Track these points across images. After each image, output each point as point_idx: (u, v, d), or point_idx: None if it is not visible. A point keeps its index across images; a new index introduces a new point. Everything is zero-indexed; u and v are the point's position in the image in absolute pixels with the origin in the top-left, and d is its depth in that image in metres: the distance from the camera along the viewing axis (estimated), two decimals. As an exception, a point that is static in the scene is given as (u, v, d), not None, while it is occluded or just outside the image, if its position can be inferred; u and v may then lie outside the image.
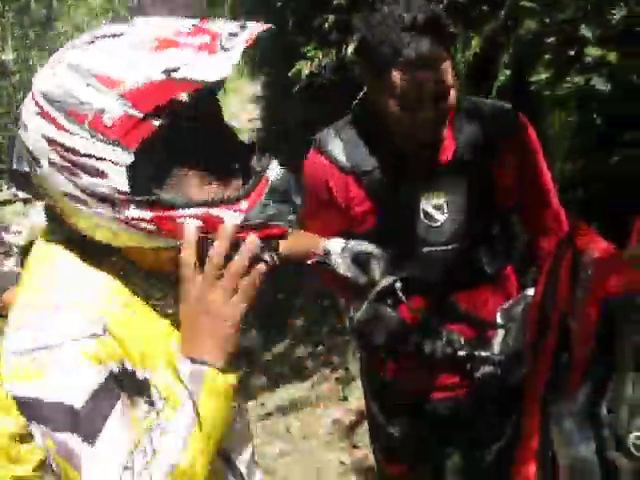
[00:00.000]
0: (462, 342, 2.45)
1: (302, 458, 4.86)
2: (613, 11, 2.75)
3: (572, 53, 2.90)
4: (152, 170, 1.54)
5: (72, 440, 1.61)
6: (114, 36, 1.56)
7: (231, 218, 1.57)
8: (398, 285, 2.40)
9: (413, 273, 2.47)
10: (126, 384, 1.71)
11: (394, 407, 2.83)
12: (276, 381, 5.88)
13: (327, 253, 2.50)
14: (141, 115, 1.43)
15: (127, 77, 1.46)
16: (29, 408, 1.63)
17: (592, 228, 2.31)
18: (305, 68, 4.60)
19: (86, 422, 1.62)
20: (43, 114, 1.51)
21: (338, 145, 2.58)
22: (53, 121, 1.50)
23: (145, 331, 1.76)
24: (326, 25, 4.46)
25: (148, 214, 1.52)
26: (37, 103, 1.53)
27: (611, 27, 2.79)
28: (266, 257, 1.69)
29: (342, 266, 2.46)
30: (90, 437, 1.61)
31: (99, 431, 1.62)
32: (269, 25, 1.52)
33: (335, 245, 2.50)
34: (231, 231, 1.55)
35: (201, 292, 1.60)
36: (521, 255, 2.91)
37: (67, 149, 1.48)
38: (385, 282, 2.41)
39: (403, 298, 2.40)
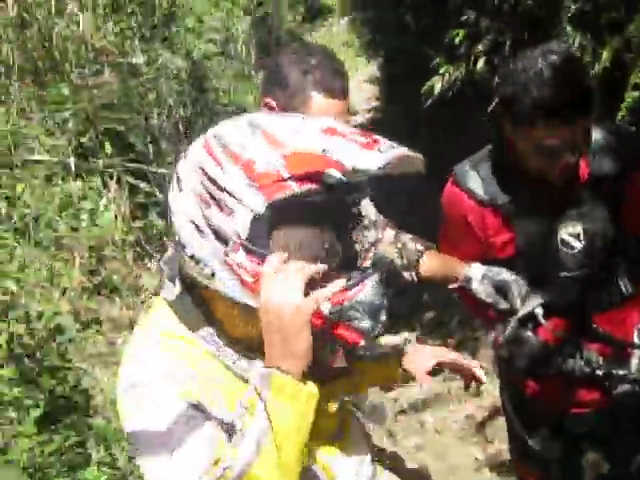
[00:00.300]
0: (600, 361, 2.50)
1: (437, 453, 4.91)
2: None
3: None
4: (270, 230, 1.63)
5: (156, 461, 1.73)
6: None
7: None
8: (539, 311, 2.46)
9: (553, 298, 2.52)
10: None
11: (534, 422, 2.88)
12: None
13: (468, 279, 2.57)
14: (289, 175, 1.54)
15: (291, 143, 1.59)
16: (131, 443, 1.78)
17: None
18: (437, 83, 4.62)
19: (169, 441, 1.73)
20: (206, 146, 1.65)
21: (476, 179, 2.66)
22: (211, 154, 1.63)
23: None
24: (456, 40, 4.45)
25: (252, 266, 1.62)
26: (206, 140, 1.67)
27: None
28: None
29: (483, 292, 2.52)
30: (170, 451, 1.72)
31: (179, 446, 1.73)
32: (420, 156, 1.60)
33: (476, 272, 2.56)
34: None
35: (275, 293, 1.65)
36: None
37: (212, 180, 1.60)
38: (527, 308, 2.47)
39: (544, 322, 2.46)
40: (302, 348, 1.66)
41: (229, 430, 1.81)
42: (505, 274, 2.51)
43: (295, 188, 1.55)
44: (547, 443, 2.88)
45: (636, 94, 3.28)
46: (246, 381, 1.86)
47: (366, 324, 1.72)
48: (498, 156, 2.64)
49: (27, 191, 4.50)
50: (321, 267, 1.69)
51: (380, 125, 13.64)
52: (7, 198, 4.44)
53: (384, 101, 14.25)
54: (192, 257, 1.73)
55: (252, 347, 1.87)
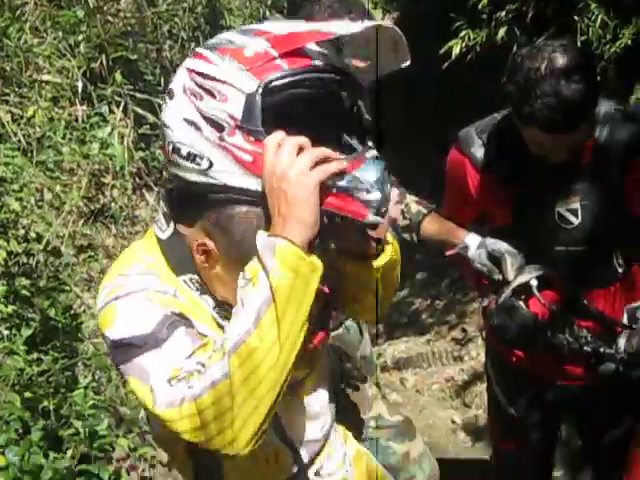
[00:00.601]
0: (589, 338, 2.56)
1: (414, 412, 4.98)
2: None
3: None
4: (266, 110, 1.66)
5: (144, 358, 1.74)
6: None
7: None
8: (534, 282, 2.51)
9: (548, 271, 2.57)
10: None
11: (517, 390, 2.94)
12: (392, 331, 6.03)
13: (466, 246, 2.64)
14: (276, 54, 1.61)
15: (276, 30, 1.70)
16: (113, 354, 1.80)
17: None
18: (456, 47, 4.62)
19: (154, 338, 1.75)
20: (195, 54, 1.71)
21: (479, 146, 2.68)
22: (200, 56, 1.68)
23: None
24: (479, 5, 4.44)
25: (249, 146, 1.66)
26: (195, 50, 1.75)
27: None
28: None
29: (478, 260, 2.60)
30: (157, 344, 1.74)
31: (165, 340, 1.75)
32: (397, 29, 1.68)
33: (474, 240, 2.64)
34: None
35: (280, 159, 1.67)
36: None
37: (201, 74, 1.65)
38: (522, 279, 2.53)
39: (538, 295, 2.51)
40: (308, 216, 1.65)
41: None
42: (502, 245, 2.57)
43: (285, 66, 1.61)
44: (528, 410, 2.96)
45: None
46: (219, 326, 1.91)
47: (372, 196, 1.72)
48: (505, 128, 2.66)
49: (33, 111, 4.49)
50: (322, 149, 1.69)
51: (391, 86, 13.63)
52: (14, 116, 4.45)
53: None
54: (188, 156, 1.76)
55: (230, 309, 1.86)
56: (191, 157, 1.76)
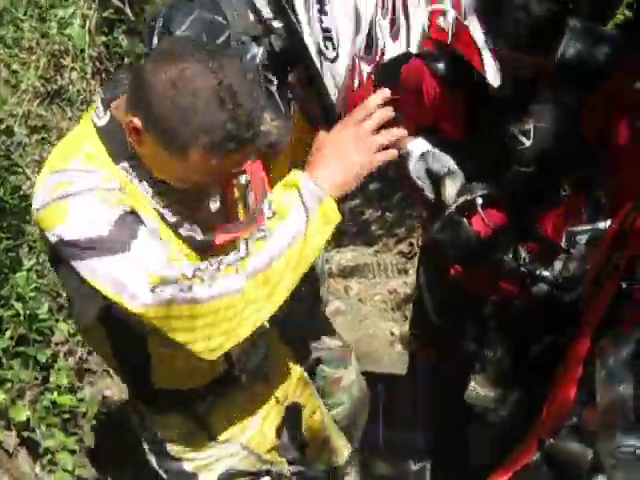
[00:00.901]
0: (527, 259, 2.65)
1: (355, 321, 5.10)
2: None
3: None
4: None
5: (101, 261, 1.78)
6: None
7: None
8: (479, 201, 2.57)
9: (493, 190, 2.63)
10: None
11: (450, 301, 3.03)
12: (340, 239, 6.09)
13: (408, 153, 2.66)
14: None
15: None
16: (63, 251, 1.82)
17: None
18: None
19: (115, 242, 1.79)
20: None
21: (440, 56, 2.65)
22: None
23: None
24: None
25: None
26: None
27: None
28: None
29: (415, 174, 2.63)
30: (122, 249, 1.78)
31: (130, 242, 1.79)
32: None
33: (418, 147, 2.66)
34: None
35: (350, 127, 1.86)
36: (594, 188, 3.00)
37: None
38: (468, 197, 2.59)
39: (482, 213, 2.58)
40: (352, 185, 1.84)
41: None
42: (445, 162, 2.61)
43: None
44: (457, 322, 3.06)
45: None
46: (160, 217, 1.99)
47: None
48: None
49: None
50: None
51: None
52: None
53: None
54: None
55: (168, 192, 1.97)
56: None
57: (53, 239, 1.82)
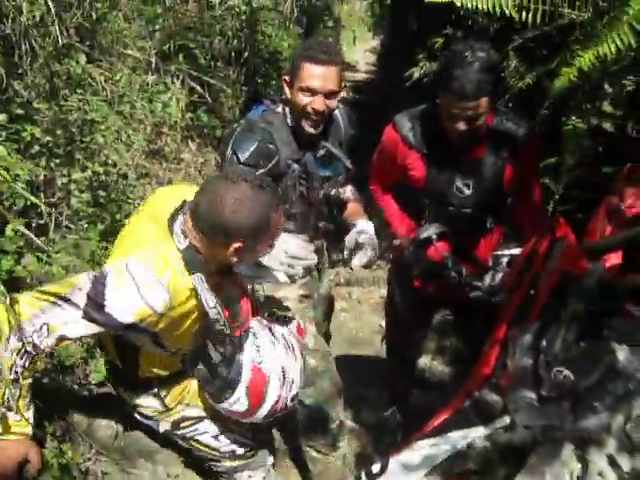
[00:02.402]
0: (464, 274, 2.77)
1: (355, 316, 5.22)
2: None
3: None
4: None
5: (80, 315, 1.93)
6: None
7: None
8: (434, 236, 2.72)
9: (444, 228, 2.76)
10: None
11: (412, 300, 3.12)
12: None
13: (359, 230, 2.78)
14: None
15: None
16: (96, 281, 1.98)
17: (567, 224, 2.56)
18: (416, 73, 4.74)
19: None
20: None
21: (409, 128, 2.76)
22: None
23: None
24: (436, 45, 4.53)
25: None
26: None
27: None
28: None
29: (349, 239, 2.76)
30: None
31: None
32: None
33: (361, 226, 2.79)
34: None
35: None
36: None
37: None
38: (426, 234, 2.73)
39: (437, 245, 2.73)
40: None
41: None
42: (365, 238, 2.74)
43: None
44: (417, 311, 3.18)
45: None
46: (217, 322, 2.15)
47: None
48: (426, 115, 2.78)
49: (120, 76, 4.57)
50: None
51: (370, 82, 13.69)
52: (104, 78, 4.54)
53: (379, 67, 14.21)
54: None
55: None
56: None
57: (100, 272, 2.01)
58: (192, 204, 2.11)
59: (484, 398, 2.33)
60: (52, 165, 3.22)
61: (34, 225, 2.96)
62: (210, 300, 2.11)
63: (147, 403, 2.44)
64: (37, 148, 3.01)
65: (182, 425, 2.48)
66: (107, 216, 3.47)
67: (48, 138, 3.25)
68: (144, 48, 5.24)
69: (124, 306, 1.97)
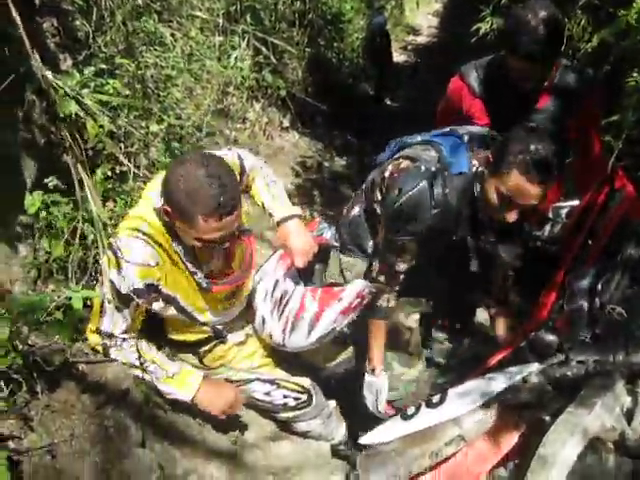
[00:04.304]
0: (527, 227, 2.87)
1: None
2: None
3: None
4: None
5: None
6: None
7: None
8: None
9: None
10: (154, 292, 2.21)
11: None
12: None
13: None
14: None
15: None
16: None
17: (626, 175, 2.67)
18: (482, 27, 4.77)
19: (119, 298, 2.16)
20: None
21: (475, 78, 2.85)
22: None
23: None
24: (501, 2, 4.54)
25: None
26: None
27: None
28: None
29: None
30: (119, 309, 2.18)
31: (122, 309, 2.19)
32: None
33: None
34: None
35: None
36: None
37: None
38: None
39: None
40: None
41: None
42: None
43: None
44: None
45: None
46: (201, 289, 2.29)
47: None
48: (493, 65, 2.85)
49: (189, 32, 4.74)
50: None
51: (433, 45, 13.64)
52: (174, 36, 4.71)
53: (442, 30, 14.12)
54: None
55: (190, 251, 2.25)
56: None
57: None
58: None
59: (541, 337, 2.45)
60: (131, 117, 3.40)
61: (117, 172, 3.15)
62: (186, 253, 2.25)
63: (186, 358, 2.61)
64: (119, 100, 3.18)
65: (234, 384, 2.65)
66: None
67: (127, 92, 3.43)
68: (211, 9, 5.39)
69: (130, 273, 2.15)
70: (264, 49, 5.91)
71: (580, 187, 2.95)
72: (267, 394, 2.70)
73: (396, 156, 2.55)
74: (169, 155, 3.56)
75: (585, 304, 2.46)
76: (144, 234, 2.16)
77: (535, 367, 2.36)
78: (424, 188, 2.34)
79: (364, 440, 2.46)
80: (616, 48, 3.03)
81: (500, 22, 4.67)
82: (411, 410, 2.45)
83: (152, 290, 2.19)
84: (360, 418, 2.81)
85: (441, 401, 2.41)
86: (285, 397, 2.72)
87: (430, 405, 2.42)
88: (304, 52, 6.82)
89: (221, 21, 5.39)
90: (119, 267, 2.12)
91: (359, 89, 8.97)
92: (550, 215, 2.88)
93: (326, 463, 2.95)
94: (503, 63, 2.72)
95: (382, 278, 2.59)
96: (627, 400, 2.16)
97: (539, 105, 2.81)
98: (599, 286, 2.45)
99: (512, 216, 2.32)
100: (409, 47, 14.07)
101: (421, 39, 14.83)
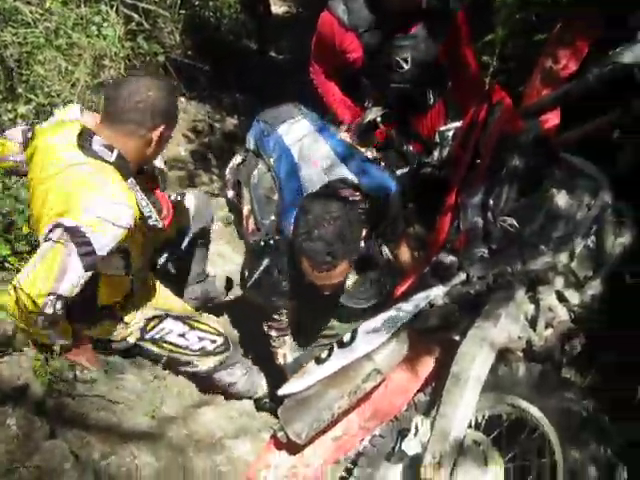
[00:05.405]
0: (412, 151, 2.86)
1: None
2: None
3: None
4: None
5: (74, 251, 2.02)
6: None
7: None
8: (378, 119, 2.77)
9: (387, 109, 2.81)
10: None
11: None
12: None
13: None
14: None
15: None
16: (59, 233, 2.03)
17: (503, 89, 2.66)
18: None
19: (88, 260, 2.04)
20: None
21: (344, 10, 2.75)
22: None
23: None
24: None
25: None
26: None
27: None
28: None
29: None
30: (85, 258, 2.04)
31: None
32: None
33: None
34: None
35: None
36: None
37: None
38: (371, 116, 2.78)
39: (381, 126, 2.79)
40: None
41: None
42: None
43: None
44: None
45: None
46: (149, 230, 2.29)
47: None
48: None
49: (50, 3, 4.46)
50: None
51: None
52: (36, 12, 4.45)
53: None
54: None
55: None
56: None
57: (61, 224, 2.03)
58: (105, 112, 2.21)
59: (441, 260, 2.48)
60: (-5, 100, 3.19)
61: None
62: (142, 199, 2.22)
63: (111, 329, 2.54)
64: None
65: (148, 327, 2.59)
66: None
67: (-14, 75, 3.21)
68: (72, -20, 5.09)
69: (109, 240, 2.07)
70: (135, 15, 5.64)
71: (461, 108, 2.95)
72: (182, 336, 2.65)
73: None
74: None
75: (479, 220, 2.47)
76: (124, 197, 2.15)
77: (440, 290, 2.36)
78: None
79: (282, 391, 2.41)
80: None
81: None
82: (324, 353, 2.41)
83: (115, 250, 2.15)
84: (276, 369, 2.75)
85: (352, 339, 2.37)
86: (201, 340, 2.68)
87: (342, 345, 2.38)
88: (179, 14, 6.54)
89: (85, -10, 5.10)
90: (104, 231, 2.07)
91: (241, 45, 8.72)
92: (437, 139, 2.86)
93: (251, 421, 2.89)
94: None
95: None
96: (530, 308, 2.20)
97: (411, 30, 2.78)
98: (490, 201, 2.46)
99: None
100: (287, -1, 13.84)
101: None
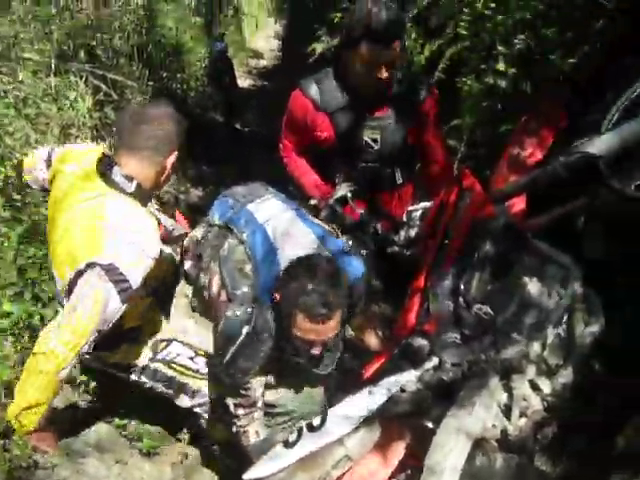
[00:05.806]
0: (380, 230, 2.86)
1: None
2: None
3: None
4: None
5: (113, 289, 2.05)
6: None
7: None
8: (349, 195, 2.78)
9: (357, 186, 2.82)
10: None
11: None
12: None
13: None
14: None
15: None
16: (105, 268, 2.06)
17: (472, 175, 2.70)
18: (318, 47, 4.77)
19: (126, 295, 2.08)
20: None
21: (316, 91, 2.80)
22: None
23: None
24: (335, 20, 4.53)
25: None
26: None
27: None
28: None
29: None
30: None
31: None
32: None
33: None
34: None
35: None
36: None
37: None
38: (341, 193, 2.79)
39: (352, 202, 2.79)
40: None
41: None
42: None
43: None
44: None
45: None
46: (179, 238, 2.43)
47: None
48: (331, 78, 2.83)
49: (22, 76, 4.47)
50: None
51: (276, 68, 13.74)
52: (4, 82, 4.44)
53: (282, 51, 14.25)
54: None
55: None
56: None
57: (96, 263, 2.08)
58: (120, 144, 2.27)
59: (412, 343, 2.45)
60: (-37, 173, 3.13)
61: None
62: (168, 223, 2.40)
63: (129, 353, 2.56)
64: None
65: (159, 349, 2.60)
66: (25, 217, 3.38)
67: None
68: (43, 50, 5.12)
69: (142, 272, 2.13)
70: (104, 86, 5.68)
71: (429, 189, 2.98)
72: (191, 359, 2.66)
73: None
74: (9, 208, 3.28)
75: (450, 304, 2.47)
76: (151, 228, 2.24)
77: (411, 375, 2.33)
78: None
79: (248, 475, 2.32)
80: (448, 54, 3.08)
81: (335, 41, 4.67)
82: (293, 437, 2.34)
83: None
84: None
85: (322, 423, 2.32)
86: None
87: (312, 429, 2.32)
88: (147, 86, 6.60)
89: (54, 62, 5.11)
90: (138, 263, 2.15)
91: (207, 117, 8.84)
92: (404, 219, 2.86)
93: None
94: (345, 71, 2.75)
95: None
96: (503, 396, 2.18)
97: (382, 112, 2.82)
98: (461, 286, 2.46)
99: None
100: (254, 71, 14.08)
101: (264, 62, 14.91)
